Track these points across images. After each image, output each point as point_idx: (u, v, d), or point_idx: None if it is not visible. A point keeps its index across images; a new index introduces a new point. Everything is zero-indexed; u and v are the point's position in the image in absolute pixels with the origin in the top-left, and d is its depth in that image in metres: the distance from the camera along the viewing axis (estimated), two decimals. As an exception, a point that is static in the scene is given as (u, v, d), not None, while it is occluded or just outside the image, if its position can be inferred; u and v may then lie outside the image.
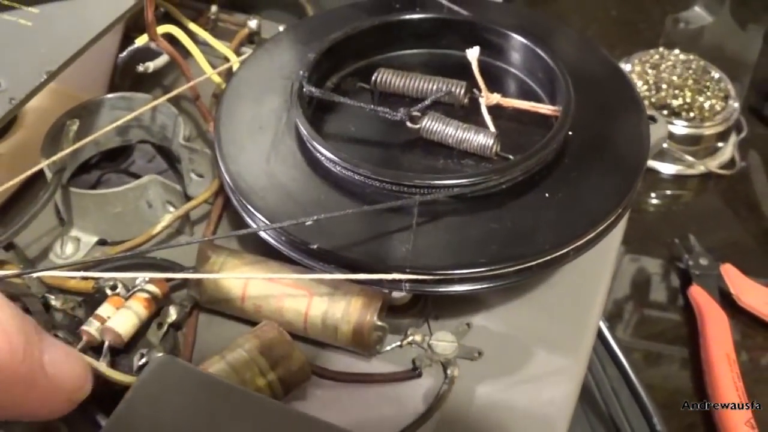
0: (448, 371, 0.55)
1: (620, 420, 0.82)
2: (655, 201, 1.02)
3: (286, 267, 0.56)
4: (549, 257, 0.53)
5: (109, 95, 0.67)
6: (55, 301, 0.57)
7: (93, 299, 0.58)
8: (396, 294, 0.57)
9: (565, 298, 0.61)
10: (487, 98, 0.61)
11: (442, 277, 0.51)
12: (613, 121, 0.61)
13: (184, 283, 0.59)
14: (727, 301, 0.91)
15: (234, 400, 0.43)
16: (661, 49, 1.09)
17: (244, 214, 0.57)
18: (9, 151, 0.70)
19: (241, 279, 0.55)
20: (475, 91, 0.62)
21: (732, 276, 0.92)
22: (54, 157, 0.58)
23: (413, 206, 0.52)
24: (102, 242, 0.64)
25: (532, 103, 0.62)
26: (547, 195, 0.56)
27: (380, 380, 0.55)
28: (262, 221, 0.55)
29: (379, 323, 0.54)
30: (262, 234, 0.55)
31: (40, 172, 0.62)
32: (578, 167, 0.58)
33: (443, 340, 0.57)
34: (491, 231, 0.53)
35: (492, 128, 0.60)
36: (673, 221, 0.98)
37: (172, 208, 0.63)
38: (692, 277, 0.92)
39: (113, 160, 0.71)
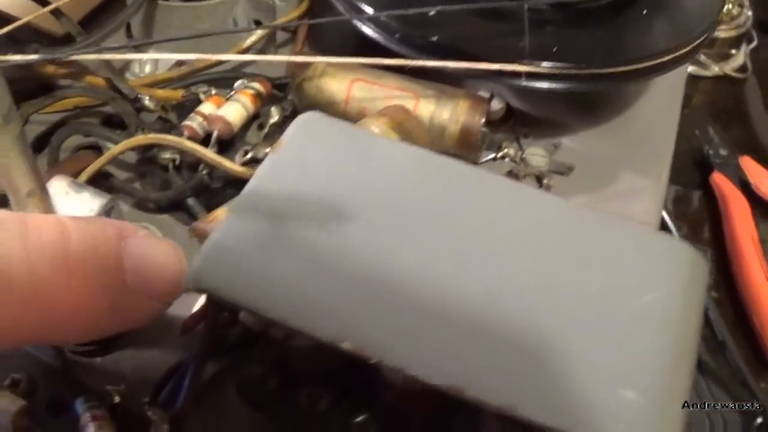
0: (544, 181, 0.56)
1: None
2: (671, 101, 1.04)
3: (389, 72, 0.56)
4: (653, 63, 0.54)
5: None
6: (149, 102, 0.56)
7: (184, 107, 0.57)
8: (494, 106, 0.58)
9: (643, 128, 0.63)
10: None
11: (559, 71, 0.52)
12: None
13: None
14: (746, 190, 0.93)
15: (398, 152, 0.42)
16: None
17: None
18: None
19: (345, 82, 0.55)
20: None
21: (751, 167, 0.95)
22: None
23: (523, 12, 0.53)
24: (180, 64, 0.63)
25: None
26: (644, 12, 0.57)
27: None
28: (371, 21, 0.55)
29: (483, 128, 0.55)
30: (370, 33, 0.55)
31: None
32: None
33: (536, 154, 0.58)
34: (598, 38, 0.55)
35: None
36: (689, 118, 1.01)
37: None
38: (713, 165, 0.95)
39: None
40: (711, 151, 0.96)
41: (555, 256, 0.39)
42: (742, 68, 1.06)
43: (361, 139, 0.43)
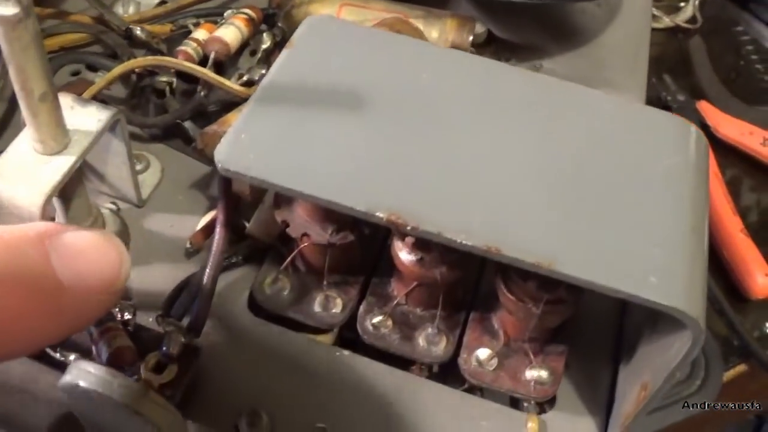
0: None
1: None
2: (626, 54, 1.07)
3: (376, -3, 0.57)
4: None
5: None
6: (140, 33, 0.55)
7: (173, 41, 0.57)
8: (477, 29, 0.59)
9: (618, 49, 0.65)
10: None
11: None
12: None
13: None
14: (706, 133, 0.96)
15: (409, 46, 0.43)
16: None
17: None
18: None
19: (334, 7, 0.56)
20: None
21: (708, 111, 0.98)
22: None
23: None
24: (163, 3, 0.62)
25: None
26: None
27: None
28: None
29: (471, 48, 0.56)
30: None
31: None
32: None
33: (520, 75, 0.59)
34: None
35: None
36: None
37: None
38: (672, 111, 0.97)
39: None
40: (669, 98, 0.99)
41: (579, 131, 0.41)
42: (692, 20, 1.09)
43: (370, 35, 0.43)
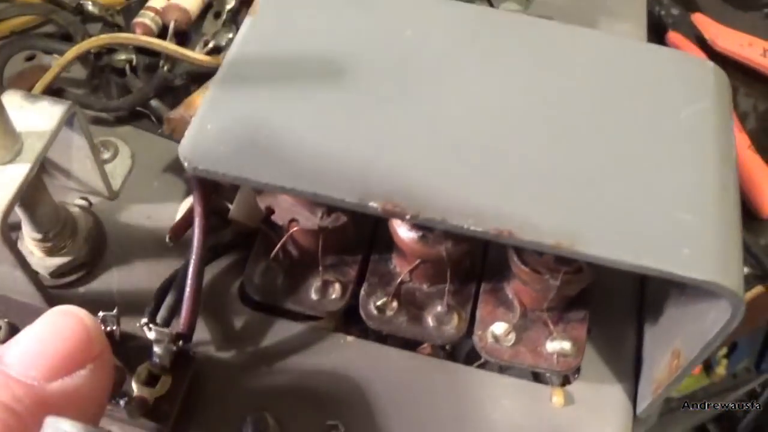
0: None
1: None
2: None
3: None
4: None
5: None
6: (92, 7, 0.50)
7: (130, 12, 0.52)
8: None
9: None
10: None
11: None
12: None
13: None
14: (703, 46, 0.92)
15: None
16: None
17: None
18: None
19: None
20: None
21: (704, 23, 0.93)
22: None
23: None
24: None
25: None
26: None
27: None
28: None
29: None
30: None
31: None
32: None
33: (510, 9, 0.55)
34: None
35: None
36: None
37: None
38: (667, 26, 0.92)
39: None
40: (662, 12, 0.94)
41: (587, 83, 0.36)
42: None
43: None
